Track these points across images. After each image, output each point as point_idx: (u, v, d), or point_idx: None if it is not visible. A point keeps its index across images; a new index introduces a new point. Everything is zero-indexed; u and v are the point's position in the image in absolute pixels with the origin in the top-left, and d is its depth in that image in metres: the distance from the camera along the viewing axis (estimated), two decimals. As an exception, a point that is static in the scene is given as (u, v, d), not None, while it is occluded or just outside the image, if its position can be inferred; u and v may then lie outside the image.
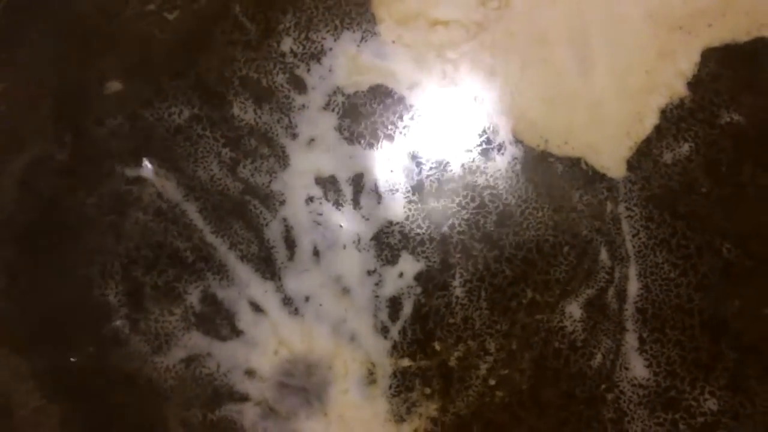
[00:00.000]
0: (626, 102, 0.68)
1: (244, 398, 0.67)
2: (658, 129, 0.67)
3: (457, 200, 0.68)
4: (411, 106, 0.69)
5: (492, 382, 0.65)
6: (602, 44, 0.69)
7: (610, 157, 0.67)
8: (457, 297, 0.67)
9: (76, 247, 0.69)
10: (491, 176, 0.68)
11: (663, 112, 0.67)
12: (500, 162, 0.68)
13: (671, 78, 0.68)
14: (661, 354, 0.64)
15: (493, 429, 0.65)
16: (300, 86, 0.70)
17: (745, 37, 0.68)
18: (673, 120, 0.67)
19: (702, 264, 0.65)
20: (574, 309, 0.66)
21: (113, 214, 0.69)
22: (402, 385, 0.66)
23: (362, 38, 0.70)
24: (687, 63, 0.68)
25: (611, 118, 0.68)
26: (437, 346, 0.66)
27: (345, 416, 0.67)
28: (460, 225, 0.67)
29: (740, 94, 0.68)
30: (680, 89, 0.68)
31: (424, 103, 0.69)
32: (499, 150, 0.68)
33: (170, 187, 0.69)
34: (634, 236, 0.66)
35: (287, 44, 0.70)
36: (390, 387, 0.66)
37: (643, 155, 0.67)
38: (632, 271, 0.65)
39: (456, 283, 0.67)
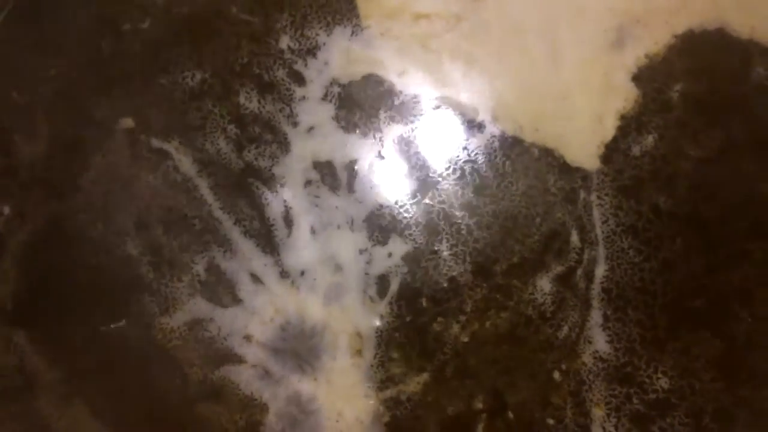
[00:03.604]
0: (588, 99, 0.72)
1: (241, 361, 0.73)
2: (620, 128, 0.72)
3: (438, 172, 0.73)
4: (400, 92, 0.75)
5: (465, 339, 0.71)
6: (568, 36, 0.74)
7: (580, 151, 0.72)
8: (444, 260, 0.72)
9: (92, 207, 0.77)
10: (472, 151, 0.73)
11: (622, 115, 0.72)
12: (480, 139, 0.73)
13: (625, 79, 0.72)
14: (623, 331, 0.69)
15: (467, 385, 0.70)
16: (299, 79, 0.76)
17: (698, 34, 0.73)
18: (633, 118, 0.72)
19: (664, 250, 0.69)
20: (544, 283, 0.71)
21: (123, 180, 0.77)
22: (385, 355, 0.71)
23: (352, 32, 0.76)
24: (639, 57, 0.73)
25: (577, 113, 0.72)
26: (425, 303, 0.72)
27: (333, 381, 0.72)
28: (439, 195, 0.73)
29: (682, 77, 0.72)
30: (633, 90, 0.72)
31: (412, 89, 0.75)
32: (479, 129, 0.73)
33: (186, 162, 0.76)
34: (603, 223, 0.70)
35: (285, 42, 0.76)
36: (375, 356, 0.71)
37: (612, 150, 0.71)
38: (600, 254, 0.70)
39: (443, 247, 0.72)
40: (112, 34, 0.79)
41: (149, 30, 0.78)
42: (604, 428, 0.67)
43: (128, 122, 0.77)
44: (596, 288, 0.70)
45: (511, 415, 0.69)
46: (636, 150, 0.71)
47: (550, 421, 0.69)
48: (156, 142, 0.76)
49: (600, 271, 0.70)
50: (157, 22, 0.78)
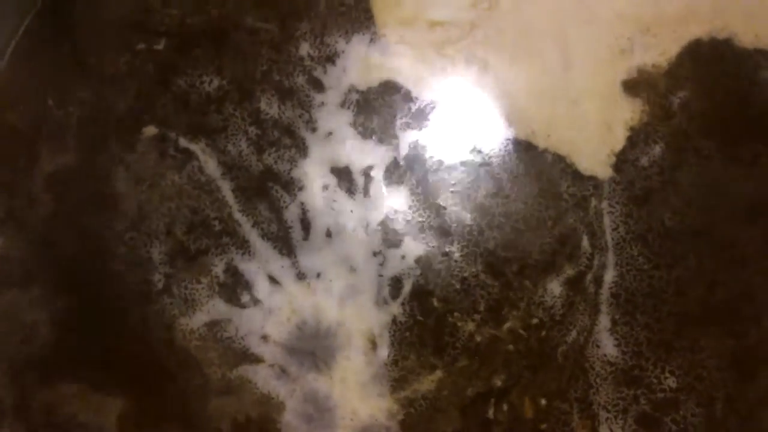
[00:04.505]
0: (598, 106, 0.74)
1: (259, 360, 0.75)
2: (629, 138, 0.74)
3: (454, 174, 0.75)
4: (416, 98, 0.77)
5: (479, 338, 0.73)
6: (579, 43, 0.76)
7: (591, 159, 0.74)
8: (456, 261, 0.74)
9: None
10: (486, 155, 0.75)
11: (630, 125, 0.74)
12: (494, 143, 0.75)
13: (633, 87, 0.74)
14: (630, 336, 0.71)
15: (477, 387, 0.73)
16: (318, 86, 0.77)
17: (705, 43, 0.75)
18: (641, 127, 0.74)
19: (672, 260, 0.72)
20: (555, 286, 0.73)
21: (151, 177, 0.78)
22: (399, 354, 0.74)
23: (371, 40, 0.77)
24: (647, 65, 0.75)
25: (588, 120, 0.74)
26: (435, 303, 0.74)
27: (347, 380, 0.74)
28: (453, 197, 0.75)
29: (689, 86, 0.74)
30: (641, 99, 0.74)
31: (428, 95, 0.77)
32: (494, 132, 0.75)
33: (212, 164, 0.78)
34: (614, 230, 0.73)
35: (304, 49, 0.78)
36: (388, 355, 0.74)
37: (622, 160, 0.73)
38: (610, 260, 0.72)
39: (454, 248, 0.74)
40: (128, 53, 0.80)
41: (164, 50, 0.80)
42: (611, 429, 0.70)
43: (151, 130, 0.78)
44: (605, 293, 0.72)
45: (508, 410, 0.72)
46: (644, 160, 0.73)
47: (556, 424, 0.71)
48: (183, 142, 0.78)
49: (609, 276, 0.72)
50: (172, 35, 0.80)
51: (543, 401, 0.71)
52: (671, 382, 0.70)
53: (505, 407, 0.72)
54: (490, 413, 0.72)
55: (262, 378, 0.74)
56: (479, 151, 0.75)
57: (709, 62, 0.74)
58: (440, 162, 0.76)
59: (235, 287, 0.76)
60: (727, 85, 0.74)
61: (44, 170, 0.79)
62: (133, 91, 0.79)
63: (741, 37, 0.74)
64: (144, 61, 0.80)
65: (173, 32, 0.80)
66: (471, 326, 0.73)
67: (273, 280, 0.75)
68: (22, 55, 0.81)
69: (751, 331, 0.70)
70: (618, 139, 0.74)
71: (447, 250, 0.74)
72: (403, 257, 0.75)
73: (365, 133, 0.76)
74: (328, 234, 0.76)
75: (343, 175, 0.76)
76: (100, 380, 0.76)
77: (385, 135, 0.76)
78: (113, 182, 0.78)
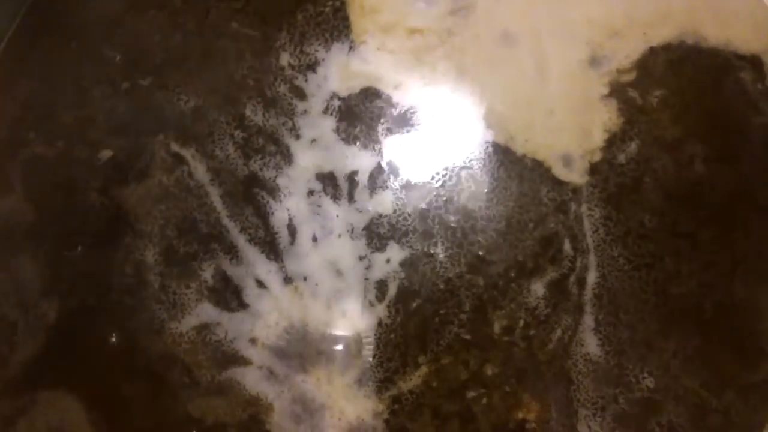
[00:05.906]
0: (572, 113, 0.76)
1: (247, 362, 0.76)
2: (606, 141, 0.75)
3: (436, 178, 0.77)
4: (397, 104, 0.79)
5: (467, 336, 0.74)
6: (552, 49, 0.77)
7: (569, 164, 0.75)
8: (441, 262, 0.75)
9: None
10: (467, 158, 0.77)
11: (606, 128, 0.75)
12: (474, 146, 0.77)
13: (606, 92, 0.76)
14: (613, 335, 0.72)
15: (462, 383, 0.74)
16: (300, 94, 0.79)
17: (675, 46, 0.76)
18: (617, 130, 0.75)
19: (654, 265, 0.73)
20: (538, 287, 0.74)
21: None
22: (384, 355, 0.75)
23: (350, 48, 0.79)
24: (618, 69, 0.76)
25: (564, 128, 0.76)
26: (421, 304, 0.75)
27: (334, 381, 0.75)
28: (437, 200, 0.76)
29: (661, 87, 0.76)
30: (615, 102, 0.76)
31: (408, 101, 0.79)
32: (473, 136, 0.77)
33: (201, 170, 0.79)
34: (594, 232, 0.74)
35: (285, 59, 0.80)
36: (374, 357, 0.75)
37: (598, 162, 0.75)
38: (591, 262, 0.73)
39: (439, 249, 0.75)
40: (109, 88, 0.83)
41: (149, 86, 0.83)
42: (589, 427, 0.71)
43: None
44: (588, 294, 0.73)
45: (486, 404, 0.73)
46: (621, 158, 0.74)
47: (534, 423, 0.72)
48: (175, 147, 0.80)
49: (591, 278, 0.73)
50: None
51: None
52: (649, 382, 0.71)
53: (484, 400, 0.73)
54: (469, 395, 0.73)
55: (251, 380, 0.75)
56: (460, 155, 0.77)
57: (681, 62, 0.75)
58: (423, 167, 0.77)
59: (223, 291, 0.77)
60: (700, 85, 0.75)
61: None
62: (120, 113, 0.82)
63: (711, 39, 0.75)
64: (129, 91, 0.82)
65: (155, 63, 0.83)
66: (456, 325, 0.74)
67: (260, 284, 0.77)
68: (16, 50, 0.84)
69: (735, 331, 0.71)
70: (596, 142, 0.75)
71: (431, 251, 0.75)
72: (388, 261, 0.76)
73: (348, 139, 0.78)
74: (314, 239, 0.77)
75: (327, 180, 0.78)
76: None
77: (368, 140, 0.78)
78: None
